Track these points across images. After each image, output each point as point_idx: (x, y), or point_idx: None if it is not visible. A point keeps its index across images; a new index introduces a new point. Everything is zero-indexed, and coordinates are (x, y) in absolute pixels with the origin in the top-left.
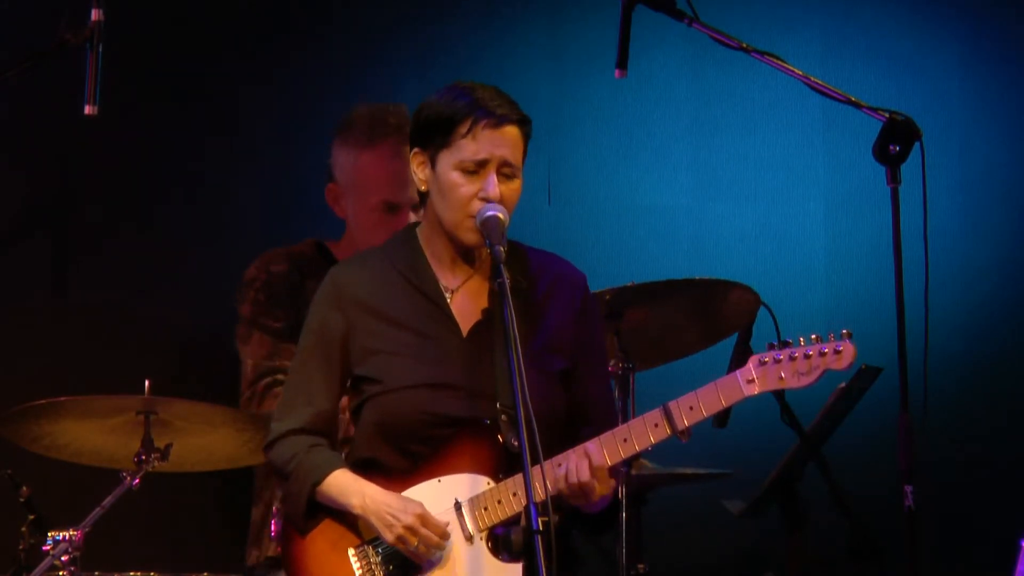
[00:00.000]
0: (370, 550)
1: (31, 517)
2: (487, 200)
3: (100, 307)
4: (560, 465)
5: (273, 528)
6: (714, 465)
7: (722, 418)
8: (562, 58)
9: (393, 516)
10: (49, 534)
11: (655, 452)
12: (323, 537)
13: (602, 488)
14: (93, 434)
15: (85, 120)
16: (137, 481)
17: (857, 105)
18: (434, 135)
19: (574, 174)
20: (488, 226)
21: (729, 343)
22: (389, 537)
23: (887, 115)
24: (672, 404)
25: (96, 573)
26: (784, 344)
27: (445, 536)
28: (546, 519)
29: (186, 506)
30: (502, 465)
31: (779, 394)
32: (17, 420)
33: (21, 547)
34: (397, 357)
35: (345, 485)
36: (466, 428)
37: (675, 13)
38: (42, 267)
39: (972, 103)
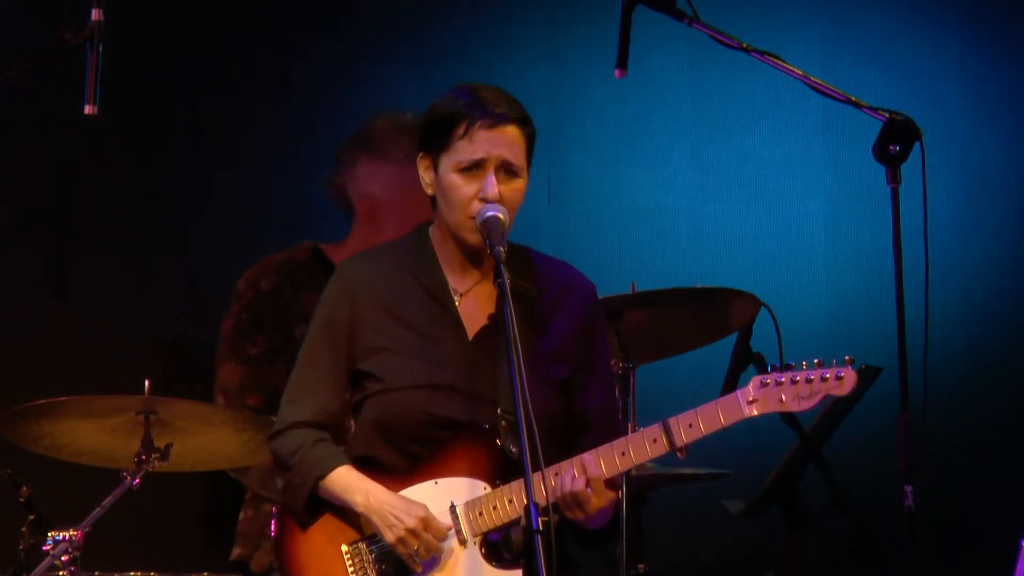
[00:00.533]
0: (363, 548)
1: (31, 517)
2: (486, 201)
3: (100, 307)
4: (557, 474)
5: (272, 529)
6: (714, 465)
7: None
8: (562, 58)
9: (396, 517)
10: (49, 534)
11: None
12: (320, 530)
13: (598, 500)
14: (93, 434)
15: (85, 120)
16: (137, 481)
17: (857, 105)
18: (435, 138)
19: (574, 174)
20: (488, 226)
21: (729, 343)
22: (390, 538)
23: (887, 115)
24: (672, 420)
25: (96, 573)
26: (786, 367)
27: (445, 540)
28: (546, 519)
29: (186, 506)
30: (499, 471)
31: None
32: (17, 420)
33: (21, 547)
34: (400, 356)
35: (349, 482)
36: (465, 431)
37: (675, 13)
38: (42, 267)
39: (972, 103)
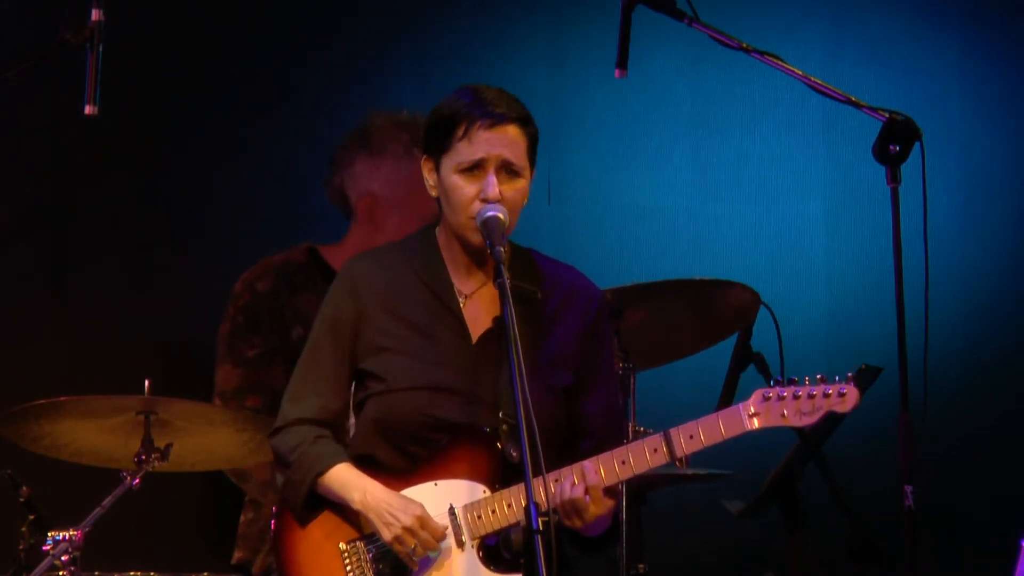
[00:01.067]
0: (361, 547)
1: (31, 517)
2: (487, 201)
3: (100, 307)
4: (556, 480)
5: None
6: (714, 465)
7: None
8: (562, 58)
9: (393, 515)
10: (49, 534)
11: None
12: (318, 528)
13: (596, 508)
14: (93, 434)
15: (85, 120)
16: (137, 481)
17: (857, 105)
18: (436, 140)
19: (574, 174)
20: (488, 226)
21: (729, 343)
22: (387, 536)
23: (887, 115)
24: (673, 431)
25: (96, 573)
26: (789, 381)
27: (443, 540)
28: (546, 519)
29: (186, 506)
30: (499, 474)
31: None
32: (17, 420)
33: (21, 547)
34: (403, 357)
35: (348, 479)
36: (465, 434)
37: (675, 13)
38: (42, 267)
39: (972, 103)
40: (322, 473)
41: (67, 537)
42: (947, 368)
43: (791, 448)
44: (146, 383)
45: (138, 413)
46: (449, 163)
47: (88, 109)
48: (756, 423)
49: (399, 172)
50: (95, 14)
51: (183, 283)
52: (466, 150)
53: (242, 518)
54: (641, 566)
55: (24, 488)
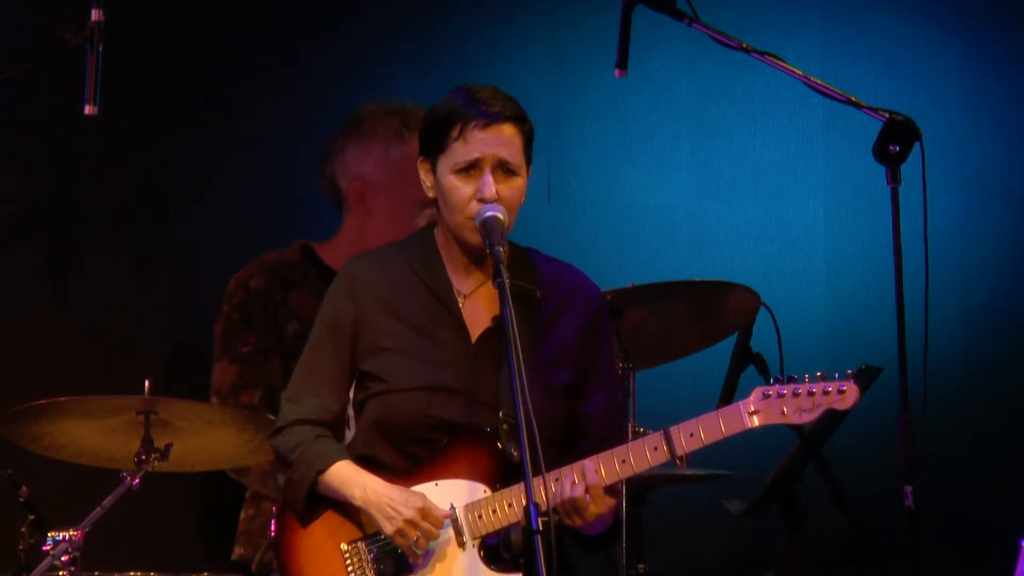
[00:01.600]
0: (362, 547)
1: (31, 517)
2: (484, 201)
3: (100, 307)
4: (556, 479)
5: (272, 529)
6: (714, 465)
7: None
8: (562, 58)
9: (394, 509)
10: (49, 534)
11: None
12: (320, 527)
13: (596, 507)
14: (93, 434)
15: (85, 120)
16: (137, 481)
17: (857, 105)
18: (432, 141)
19: (574, 174)
20: (487, 226)
21: (729, 343)
22: (389, 529)
23: (887, 115)
24: (673, 429)
25: (96, 573)
26: (789, 379)
27: (444, 528)
28: (546, 519)
29: (186, 506)
30: (500, 474)
31: None
32: (17, 420)
33: (21, 547)
34: (403, 357)
35: (348, 476)
36: (465, 434)
37: (675, 13)
38: (42, 267)
39: (972, 103)
40: (323, 471)
41: (67, 537)
42: (947, 368)
43: (791, 448)
44: (146, 383)
45: (138, 413)
46: (445, 164)
47: (88, 109)
48: (756, 421)
49: (388, 154)
50: (95, 14)
51: (183, 283)
52: (462, 150)
53: (243, 515)
54: (641, 566)
55: (24, 488)
